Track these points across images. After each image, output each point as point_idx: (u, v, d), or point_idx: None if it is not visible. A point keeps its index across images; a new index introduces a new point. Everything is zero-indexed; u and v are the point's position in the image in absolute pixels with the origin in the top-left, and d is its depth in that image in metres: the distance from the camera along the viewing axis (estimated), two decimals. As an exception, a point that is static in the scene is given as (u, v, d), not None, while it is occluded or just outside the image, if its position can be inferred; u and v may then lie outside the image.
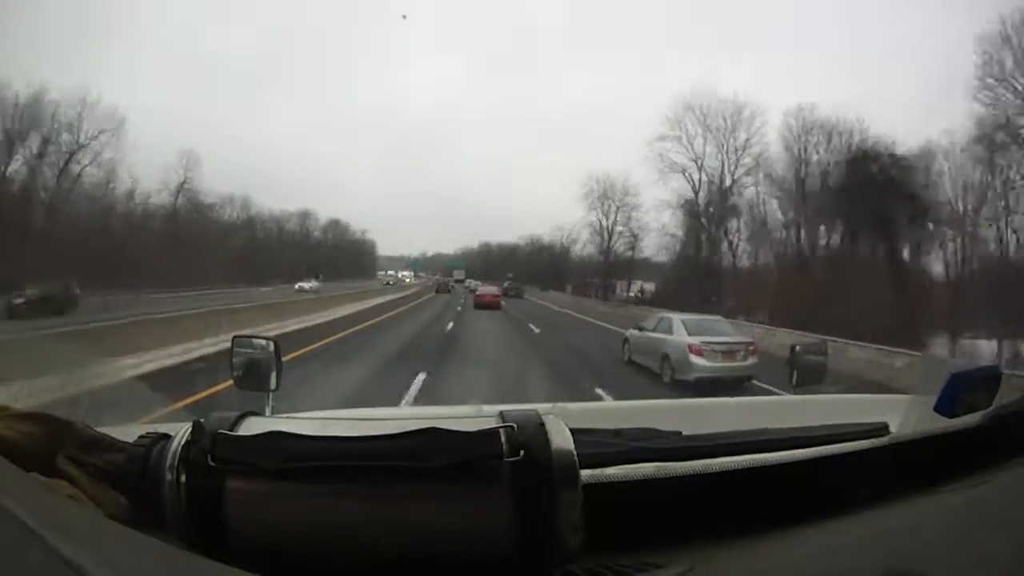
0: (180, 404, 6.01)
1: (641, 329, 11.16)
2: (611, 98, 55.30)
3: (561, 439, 0.60)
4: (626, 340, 11.69)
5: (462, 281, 44.57)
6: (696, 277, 29.49)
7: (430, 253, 57.06)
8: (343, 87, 70.07)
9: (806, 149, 28.96)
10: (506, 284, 37.73)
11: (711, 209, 31.44)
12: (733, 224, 31.22)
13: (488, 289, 29.79)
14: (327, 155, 66.58)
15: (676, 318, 10.28)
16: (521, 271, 45.52)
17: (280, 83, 64.46)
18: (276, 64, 68.99)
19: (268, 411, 1.54)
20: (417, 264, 56.47)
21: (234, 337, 1.86)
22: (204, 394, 6.44)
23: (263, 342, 1.81)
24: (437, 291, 39.65)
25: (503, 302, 28.01)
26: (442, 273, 49.53)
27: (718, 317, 11.16)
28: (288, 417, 0.84)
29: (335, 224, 49.39)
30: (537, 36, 70.75)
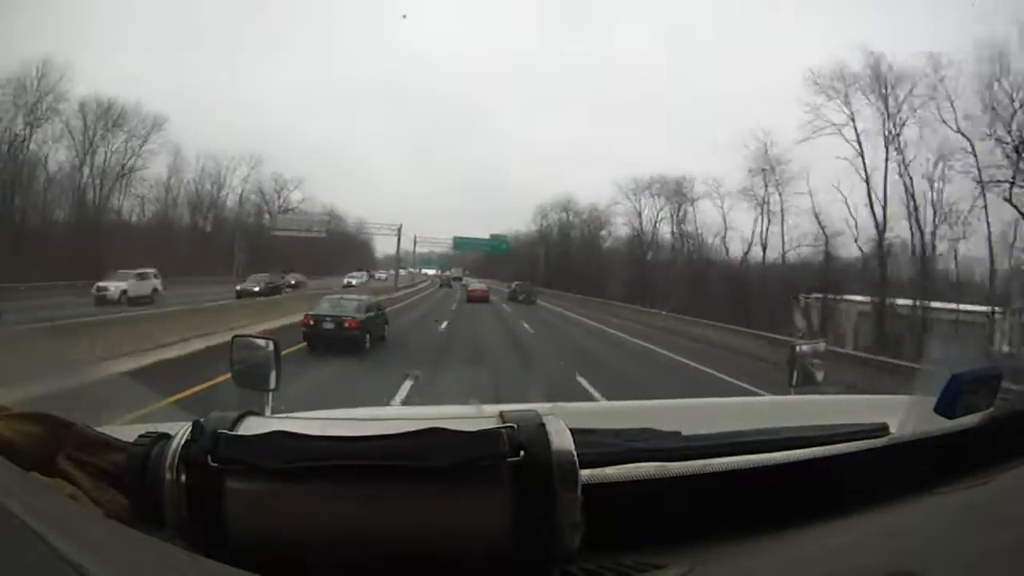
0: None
1: None
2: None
3: (561, 439, 0.60)
4: None
5: (459, 279, 47.35)
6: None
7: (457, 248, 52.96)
8: (362, 83, 68.42)
9: None
10: (514, 286, 36.46)
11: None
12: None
13: (478, 286, 34.05)
14: (351, 151, 63.89)
15: None
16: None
17: (296, 79, 61.64)
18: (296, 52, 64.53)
19: (268, 411, 1.55)
20: (429, 261, 51.01)
21: (234, 337, 1.87)
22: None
23: (263, 342, 1.83)
24: (440, 286, 44.94)
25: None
26: (443, 273, 50.23)
27: None
28: (288, 417, 0.85)
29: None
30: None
